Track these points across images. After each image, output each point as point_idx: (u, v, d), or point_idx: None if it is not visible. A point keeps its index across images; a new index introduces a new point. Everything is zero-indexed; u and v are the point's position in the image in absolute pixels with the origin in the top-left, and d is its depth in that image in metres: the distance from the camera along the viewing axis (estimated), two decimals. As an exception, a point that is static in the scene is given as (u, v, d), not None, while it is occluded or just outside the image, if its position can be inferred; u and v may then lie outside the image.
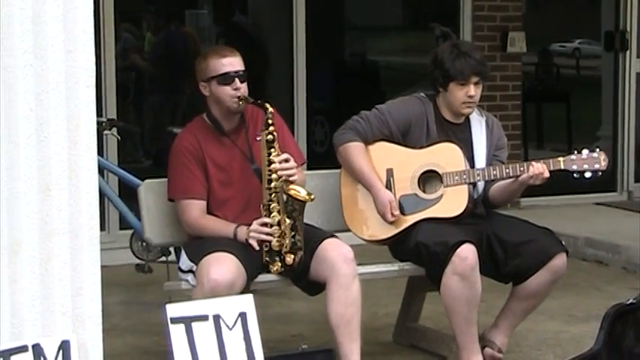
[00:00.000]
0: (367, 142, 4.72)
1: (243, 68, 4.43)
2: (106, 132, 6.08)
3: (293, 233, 4.30)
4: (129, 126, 7.34)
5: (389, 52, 9.62)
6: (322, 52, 8.25)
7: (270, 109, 4.35)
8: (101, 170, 5.82)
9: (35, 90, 3.16)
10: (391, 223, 4.64)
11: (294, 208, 4.30)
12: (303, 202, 4.31)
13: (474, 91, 4.64)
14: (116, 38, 7.22)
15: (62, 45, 3.18)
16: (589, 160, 4.60)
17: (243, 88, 4.41)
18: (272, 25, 8.31)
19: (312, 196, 4.32)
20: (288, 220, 4.30)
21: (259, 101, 4.39)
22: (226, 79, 4.39)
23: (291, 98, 7.66)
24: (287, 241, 4.30)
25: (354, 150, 4.70)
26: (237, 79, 4.39)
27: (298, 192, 4.30)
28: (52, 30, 3.17)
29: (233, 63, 4.41)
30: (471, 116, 4.78)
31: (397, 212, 4.62)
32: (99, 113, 5.59)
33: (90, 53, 3.24)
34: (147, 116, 8.53)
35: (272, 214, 4.32)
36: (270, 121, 4.34)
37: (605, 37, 8.77)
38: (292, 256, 4.31)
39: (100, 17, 6.80)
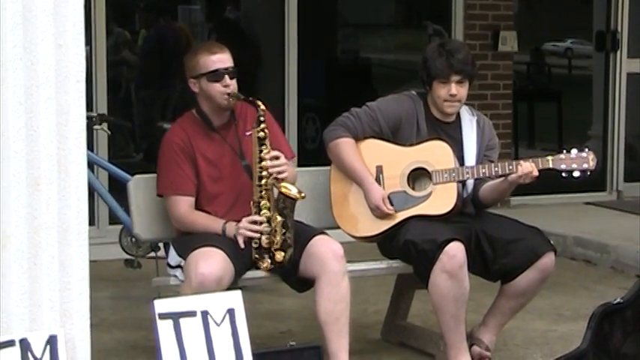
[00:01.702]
0: (357, 138, 4.72)
1: (232, 65, 4.43)
2: (96, 127, 6.06)
3: (284, 231, 4.29)
4: (119, 121, 7.32)
5: (381, 50, 9.62)
6: (314, 49, 8.24)
7: (262, 107, 4.35)
8: (91, 165, 5.81)
9: (25, 84, 3.15)
10: (380, 219, 4.64)
11: (285, 205, 4.30)
12: (294, 200, 4.30)
13: (455, 89, 4.64)
14: (108, 33, 7.20)
15: (52, 39, 3.18)
16: (577, 160, 4.60)
17: (233, 85, 4.41)
18: (264, 21, 8.30)
19: (303, 194, 4.32)
20: (279, 218, 4.29)
21: (250, 98, 4.39)
22: (216, 76, 4.39)
23: (283, 95, 7.65)
24: (278, 239, 4.30)
25: (345, 146, 4.70)
26: (226, 76, 4.39)
27: (289, 189, 4.29)
28: (43, 24, 3.16)
29: (223, 60, 4.42)
30: (462, 115, 4.78)
31: (390, 206, 4.62)
32: (89, 108, 5.61)
33: (80, 47, 3.24)
34: (137, 111, 8.52)
35: (262, 212, 4.32)
36: (261, 119, 4.34)
37: (597, 37, 8.77)
38: (282, 254, 4.30)
39: (91, 12, 6.78)
